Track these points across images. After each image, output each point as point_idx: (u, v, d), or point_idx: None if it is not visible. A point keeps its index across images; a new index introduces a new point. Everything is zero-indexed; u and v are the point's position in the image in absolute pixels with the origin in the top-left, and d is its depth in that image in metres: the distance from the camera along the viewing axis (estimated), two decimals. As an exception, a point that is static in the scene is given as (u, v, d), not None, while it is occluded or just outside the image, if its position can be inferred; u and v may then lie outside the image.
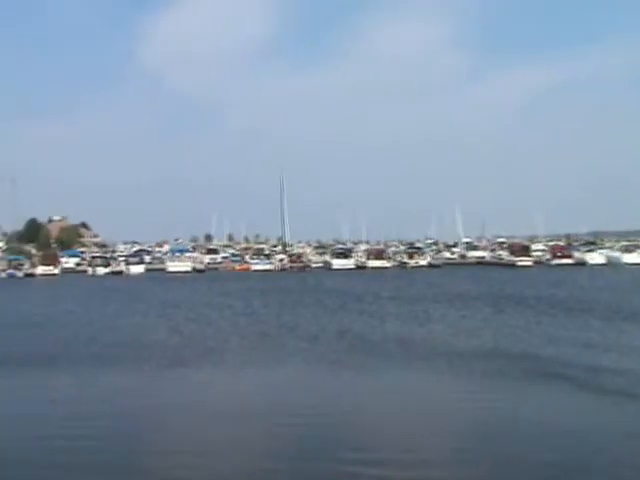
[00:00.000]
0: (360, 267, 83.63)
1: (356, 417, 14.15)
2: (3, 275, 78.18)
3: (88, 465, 11.13)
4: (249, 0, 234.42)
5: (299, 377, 18.79)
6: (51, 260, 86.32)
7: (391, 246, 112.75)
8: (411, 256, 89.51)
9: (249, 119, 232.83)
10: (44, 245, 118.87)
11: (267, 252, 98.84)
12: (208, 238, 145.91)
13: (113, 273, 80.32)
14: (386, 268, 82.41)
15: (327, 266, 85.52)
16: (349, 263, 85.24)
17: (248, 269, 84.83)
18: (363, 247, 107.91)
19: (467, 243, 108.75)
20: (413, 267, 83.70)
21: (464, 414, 14.37)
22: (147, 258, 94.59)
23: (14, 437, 13.05)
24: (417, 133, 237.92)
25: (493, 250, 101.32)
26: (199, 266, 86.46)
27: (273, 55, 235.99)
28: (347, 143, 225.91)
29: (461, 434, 12.96)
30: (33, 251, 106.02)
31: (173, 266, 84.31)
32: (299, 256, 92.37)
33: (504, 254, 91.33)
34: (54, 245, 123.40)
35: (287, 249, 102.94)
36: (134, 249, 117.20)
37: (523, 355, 20.72)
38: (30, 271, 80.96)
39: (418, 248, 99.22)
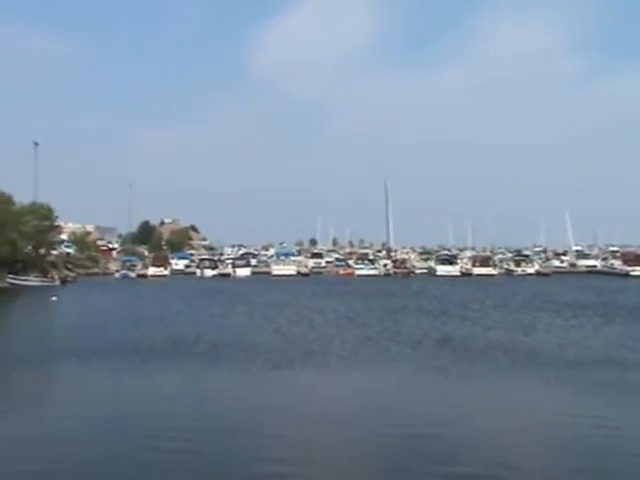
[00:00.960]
0: (465, 274, 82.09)
1: (460, 429, 13.75)
2: (117, 275, 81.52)
3: (187, 467, 11.24)
4: (357, 5, 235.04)
5: (403, 383, 18.56)
6: (162, 262, 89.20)
7: (497, 253, 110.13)
8: (518, 264, 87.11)
9: (355, 123, 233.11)
10: (156, 247, 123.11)
11: (371, 257, 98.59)
12: (313, 242, 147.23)
13: (220, 275, 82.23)
14: (492, 276, 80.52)
15: (431, 272, 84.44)
16: (454, 270, 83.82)
17: (352, 274, 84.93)
18: (468, 254, 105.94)
19: (577, 251, 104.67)
20: (520, 275, 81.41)
21: (573, 429, 13.74)
22: (253, 261, 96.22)
23: (118, 433, 13.44)
24: (527, 136, 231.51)
25: (605, 259, 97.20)
26: (303, 270, 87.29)
27: (381, 59, 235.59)
28: (454, 146, 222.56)
29: (569, 451, 12.38)
30: (146, 253, 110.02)
31: (278, 269, 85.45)
32: (403, 262, 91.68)
33: (617, 263, 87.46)
34: (165, 247, 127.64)
35: (391, 254, 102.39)
36: (240, 252, 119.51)
37: (638, 367, 19.71)
38: (142, 272, 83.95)
39: (526, 256, 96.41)
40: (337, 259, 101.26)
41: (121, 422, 14.25)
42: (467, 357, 22.16)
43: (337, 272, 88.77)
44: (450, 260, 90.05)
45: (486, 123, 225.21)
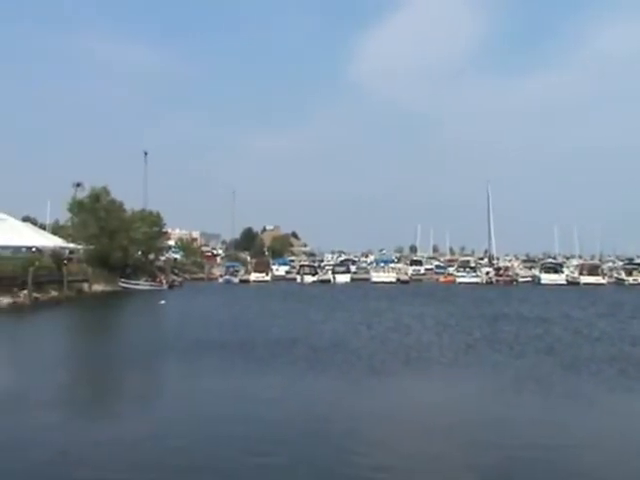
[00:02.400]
0: (571, 283, 79.37)
1: (567, 452, 13.12)
2: (221, 280, 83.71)
3: (288, 472, 11.40)
4: (455, 11, 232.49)
5: (504, 393, 18.10)
6: (263, 267, 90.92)
7: (607, 261, 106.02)
8: (630, 273, 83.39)
9: (457, 129, 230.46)
10: (258, 253, 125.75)
11: (473, 265, 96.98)
12: (413, 249, 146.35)
13: (320, 281, 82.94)
14: (601, 285, 77.52)
15: (535, 281, 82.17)
16: (559, 278, 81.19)
17: (453, 281, 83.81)
18: (575, 262, 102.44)
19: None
20: (632, 285, 77.97)
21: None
22: (353, 268, 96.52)
23: (220, 435, 13.78)
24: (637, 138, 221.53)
25: None
26: (403, 277, 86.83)
27: (482, 64, 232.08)
28: (560, 150, 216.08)
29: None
30: (248, 258, 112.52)
31: (377, 276, 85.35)
32: (506, 269, 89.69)
33: None
34: (267, 253, 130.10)
35: (493, 262, 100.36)
36: (340, 259, 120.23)
37: None
38: (245, 277, 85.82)
39: (638, 264, 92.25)
40: (437, 266, 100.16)
41: (224, 424, 14.66)
42: (572, 368, 21.49)
43: (437, 279, 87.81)
44: (555, 268, 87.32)
45: (595, 126, 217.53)
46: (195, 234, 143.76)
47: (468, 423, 14.90)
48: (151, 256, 77.02)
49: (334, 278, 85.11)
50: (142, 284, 66.16)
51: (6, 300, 42.91)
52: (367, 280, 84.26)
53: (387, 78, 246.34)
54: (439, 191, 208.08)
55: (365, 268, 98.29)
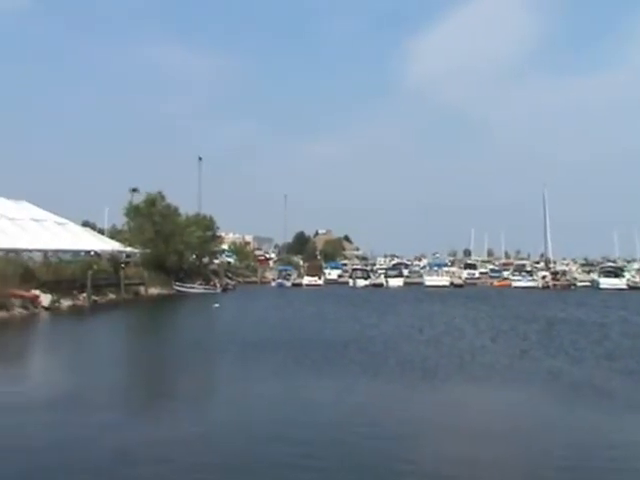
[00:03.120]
0: (633, 287, 77.31)
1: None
2: (273, 284, 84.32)
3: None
4: (511, 10, 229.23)
5: (561, 403, 17.50)
6: (316, 271, 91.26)
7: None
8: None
9: (513, 131, 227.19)
10: (310, 257, 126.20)
11: (529, 268, 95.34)
12: (467, 253, 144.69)
13: (373, 285, 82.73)
14: (664, 289, 75.35)
15: (594, 285, 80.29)
16: (620, 283, 79.09)
17: (508, 285, 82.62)
18: (637, 265, 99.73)
19: None
20: (696, 289, 75.58)
21: None
22: (405, 272, 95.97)
23: (263, 439, 13.74)
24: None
25: None
26: (457, 281, 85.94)
27: (539, 63, 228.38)
28: (619, 151, 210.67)
29: None
30: (300, 262, 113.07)
31: (430, 280, 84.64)
32: (563, 274, 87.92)
33: None
34: (319, 257, 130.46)
35: (550, 266, 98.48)
36: (393, 262, 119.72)
37: None
38: (297, 281, 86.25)
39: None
40: (492, 270, 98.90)
41: (276, 426, 14.71)
42: (632, 375, 20.92)
43: (492, 283, 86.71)
44: (615, 272, 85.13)
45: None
46: (248, 238, 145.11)
47: (524, 430, 14.65)
48: (205, 260, 78.05)
49: (387, 282, 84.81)
50: (196, 287, 67.10)
51: (66, 303, 44.05)
52: (420, 284, 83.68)
53: (441, 81, 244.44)
54: (494, 194, 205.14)
55: (418, 272, 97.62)
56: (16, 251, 45.80)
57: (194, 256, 73.63)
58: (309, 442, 13.29)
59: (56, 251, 51.46)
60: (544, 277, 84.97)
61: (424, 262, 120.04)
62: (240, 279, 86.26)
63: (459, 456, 12.55)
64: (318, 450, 12.75)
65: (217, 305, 49.11)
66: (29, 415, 15.56)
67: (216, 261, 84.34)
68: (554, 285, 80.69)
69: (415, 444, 13.55)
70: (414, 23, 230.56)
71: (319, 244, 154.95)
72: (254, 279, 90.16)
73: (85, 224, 79.91)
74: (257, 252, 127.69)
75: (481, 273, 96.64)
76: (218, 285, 72.07)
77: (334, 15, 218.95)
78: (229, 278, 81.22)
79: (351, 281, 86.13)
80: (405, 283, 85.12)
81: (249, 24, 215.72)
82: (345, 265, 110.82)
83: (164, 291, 61.51)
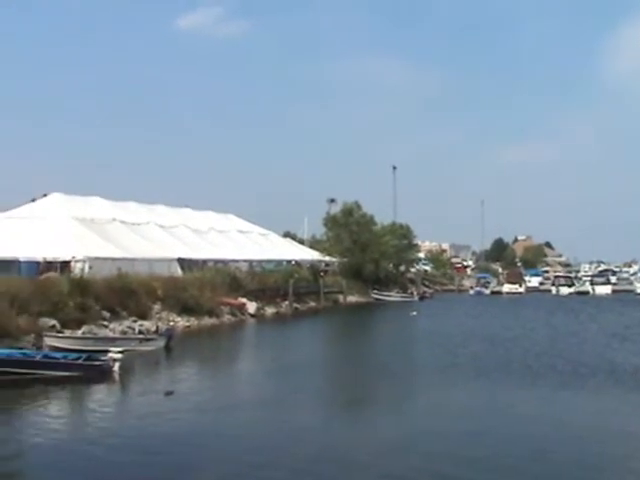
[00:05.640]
0: None
1: None
2: (471, 292, 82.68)
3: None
4: None
5: None
6: (516, 279, 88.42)
7: None
8: None
9: None
10: (509, 264, 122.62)
11: None
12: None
13: (577, 293, 78.53)
14: None
15: None
16: None
17: None
18: None
19: None
20: None
21: None
22: (613, 279, 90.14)
23: (460, 451, 13.59)
24: None
25: None
26: (674, 289, 79.20)
27: None
28: None
29: None
30: (499, 269, 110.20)
31: (644, 287, 78.76)
32: None
33: None
34: (519, 264, 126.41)
35: None
36: (599, 269, 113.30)
37: None
38: (496, 289, 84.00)
39: None
40: None
41: (475, 438, 14.46)
42: None
43: None
44: None
45: None
46: (445, 246, 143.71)
47: None
48: (402, 268, 78.42)
49: (593, 289, 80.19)
50: (393, 295, 67.63)
51: (270, 310, 46.28)
52: (630, 292, 78.04)
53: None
54: None
55: (628, 279, 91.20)
56: (224, 261, 48.87)
57: (391, 265, 74.25)
58: (505, 455, 12.94)
59: (260, 261, 54.28)
60: None
61: (635, 268, 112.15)
62: (437, 287, 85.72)
63: None
64: (513, 463, 12.33)
65: (414, 313, 49.13)
66: (241, 413, 16.63)
67: (413, 269, 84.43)
68: None
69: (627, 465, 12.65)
70: (612, 17, 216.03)
71: (518, 251, 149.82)
72: (451, 287, 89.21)
73: (286, 235, 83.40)
74: (454, 260, 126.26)
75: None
76: (415, 293, 72.14)
77: (527, 12, 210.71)
78: (426, 286, 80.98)
79: (554, 289, 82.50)
80: (613, 291, 79.79)
81: (440, 32, 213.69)
82: (546, 272, 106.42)
83: (362, 299, 62.66)
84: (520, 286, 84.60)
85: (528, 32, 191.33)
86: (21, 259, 33.97)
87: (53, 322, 26.93)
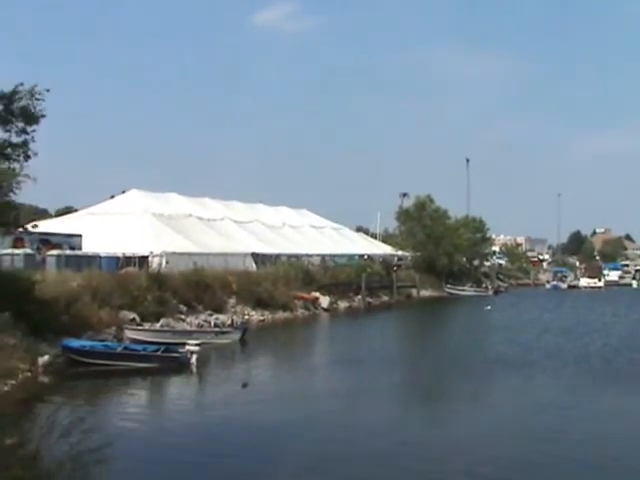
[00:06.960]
0: None
1: None
2: (547, 286, 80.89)
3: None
4: None
5: None
6: (595, 273, 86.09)
7: None
8: None
9: None
10: (587, 257, 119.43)
11: None
12: None
13: (660, 287, 76.10)
14: None
15: None
16: None
17: None
18: None
19: None
20: None
21: None
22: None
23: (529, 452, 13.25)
24: None
25: None
26: None
27: None
28: None
29: None
30: (577, 263, 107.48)
31: None
32: None
33: None
34: (597, 257, 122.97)
35: None
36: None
37: None
38: (573, 283, 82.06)
39: None
40: None
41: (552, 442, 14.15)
42: None
43: None
44: None
45: None
46: (520, 239, 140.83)
47: None
48: (475, 262, 77.39)
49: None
50: (467, 290, 66.80)
51: (343, 304, 46.39)
52: None
53: None
54: None
55: None
56: (297, 256, 49.25)
57: (464, 259, 73.34)
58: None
59: (333, 255, 54.45)
60: None
61: None
62: (512, 281, 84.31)
63: None
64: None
65: (489, 307, 48.37)
66: (315, 405, 16.84)
67: (487, 263, 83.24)
68: None
69: None
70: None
71: (597, 244, 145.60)
72: (527, 281, 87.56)
73: (359, 229, 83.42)
74: (529, 253, 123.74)
75: None
76: (489, 287, 71.11)
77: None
78: (500, 280, 79.72)
79: (634, 283, 79.98)
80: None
81: (520, 20, 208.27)
82: (627, 266, 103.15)
83: (435, 293, 62.13)
84: (599, 280, 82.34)
85: (610, 21, 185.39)
86: (102, 254, 34.96)
87: (133, 315, 27.72)
